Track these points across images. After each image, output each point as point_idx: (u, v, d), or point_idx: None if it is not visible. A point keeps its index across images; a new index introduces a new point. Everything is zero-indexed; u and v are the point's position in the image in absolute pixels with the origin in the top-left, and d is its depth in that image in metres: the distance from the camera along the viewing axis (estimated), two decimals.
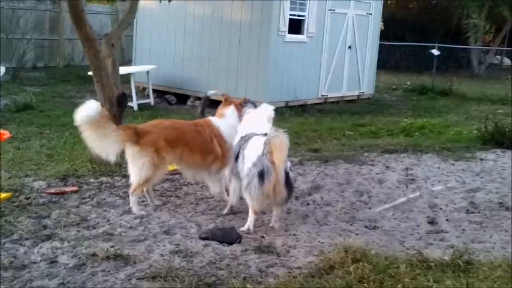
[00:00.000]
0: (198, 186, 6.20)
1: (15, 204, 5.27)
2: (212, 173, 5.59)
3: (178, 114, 11.50)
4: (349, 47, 14.13)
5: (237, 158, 5.04)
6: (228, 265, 4.14)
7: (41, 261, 4.10)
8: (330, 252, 4.35)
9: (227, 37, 12.32)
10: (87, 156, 6.50)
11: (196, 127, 5.54)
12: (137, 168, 5.21)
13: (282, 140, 4.71)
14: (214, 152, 5.49)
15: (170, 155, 5.30)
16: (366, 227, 5.30)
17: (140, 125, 5.46)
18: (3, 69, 11.29)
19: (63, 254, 4.21)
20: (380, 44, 15.78)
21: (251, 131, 5.10)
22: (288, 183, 4.93)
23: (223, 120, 5.65)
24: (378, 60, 15.61)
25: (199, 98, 12.31)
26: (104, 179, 6.21)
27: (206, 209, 5.55)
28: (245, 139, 5.05)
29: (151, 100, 12.70)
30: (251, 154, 4.83)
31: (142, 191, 5.47)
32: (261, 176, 4.69)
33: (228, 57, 12.34)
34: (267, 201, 4.93)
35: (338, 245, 4.35)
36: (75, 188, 5.85)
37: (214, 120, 5.68)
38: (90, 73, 8.51)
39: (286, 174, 4.92)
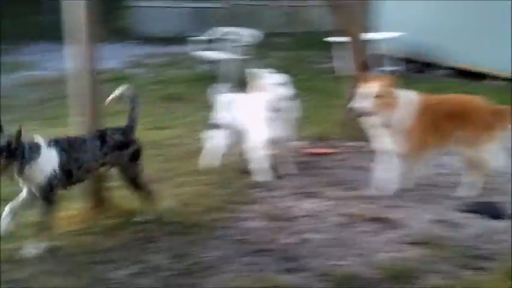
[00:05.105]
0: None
1: None
2: None
3: (430, 82, 11.02)
4: None
5: None
6: (501, 240, 3.98)
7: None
8: None
9: (481, 4, 11.37)
10: (337, 120, 6.71)
11: None
12: None
13: None
14: None
15: None
16: None
17: None
18: (258, 35, 12.04)
19: (328, 211, 4.49)
20: None
21: None
22: None
23: None
24: None
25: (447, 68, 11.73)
26: (357, 143, 6.19)
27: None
28: None
29: (401, 67, 12.28)
30: None
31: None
32: None
33: (475, 24, 11.46)
34: None
35: None
36: (331, 150, 6.10)
37: None
38: (328, 39, 8.92)
39: None
